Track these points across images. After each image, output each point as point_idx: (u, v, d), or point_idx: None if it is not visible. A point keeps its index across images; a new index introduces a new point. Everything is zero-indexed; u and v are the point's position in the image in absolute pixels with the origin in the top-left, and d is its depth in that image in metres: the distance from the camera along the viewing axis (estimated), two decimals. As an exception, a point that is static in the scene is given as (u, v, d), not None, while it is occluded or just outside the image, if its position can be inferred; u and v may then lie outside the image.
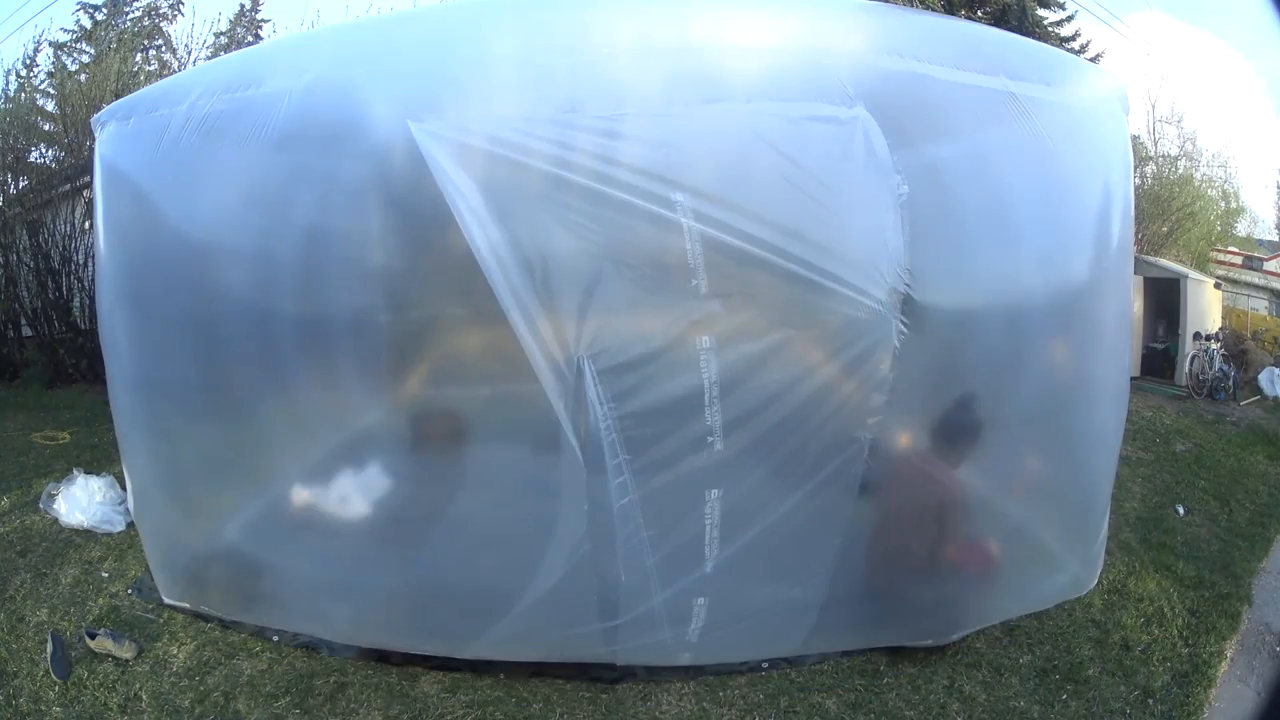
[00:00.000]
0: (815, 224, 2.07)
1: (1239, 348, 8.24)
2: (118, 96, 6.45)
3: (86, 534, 3.28)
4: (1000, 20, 10.91)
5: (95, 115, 2.63)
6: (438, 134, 2.04)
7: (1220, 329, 8.12)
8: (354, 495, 2.47)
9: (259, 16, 14.11)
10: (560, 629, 2.36)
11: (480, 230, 2.01)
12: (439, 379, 2.35)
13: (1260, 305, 12.31)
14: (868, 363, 2.11)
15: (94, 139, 2.67)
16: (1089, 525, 2.71)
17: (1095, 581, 2.85)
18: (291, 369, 2.43)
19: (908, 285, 2.10)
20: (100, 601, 2.82)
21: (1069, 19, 11.25)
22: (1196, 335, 7.48)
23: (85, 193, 6.25)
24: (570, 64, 2.18)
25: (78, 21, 12.35)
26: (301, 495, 2.57)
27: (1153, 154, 11.98)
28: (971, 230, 2.34)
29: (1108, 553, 3.27)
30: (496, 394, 2.27)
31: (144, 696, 2.33)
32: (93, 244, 3.13)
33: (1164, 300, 7.94)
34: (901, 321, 2.10)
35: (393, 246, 2.23)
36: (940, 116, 2.25)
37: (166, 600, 2.75)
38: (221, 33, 11.23)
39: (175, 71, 8.04)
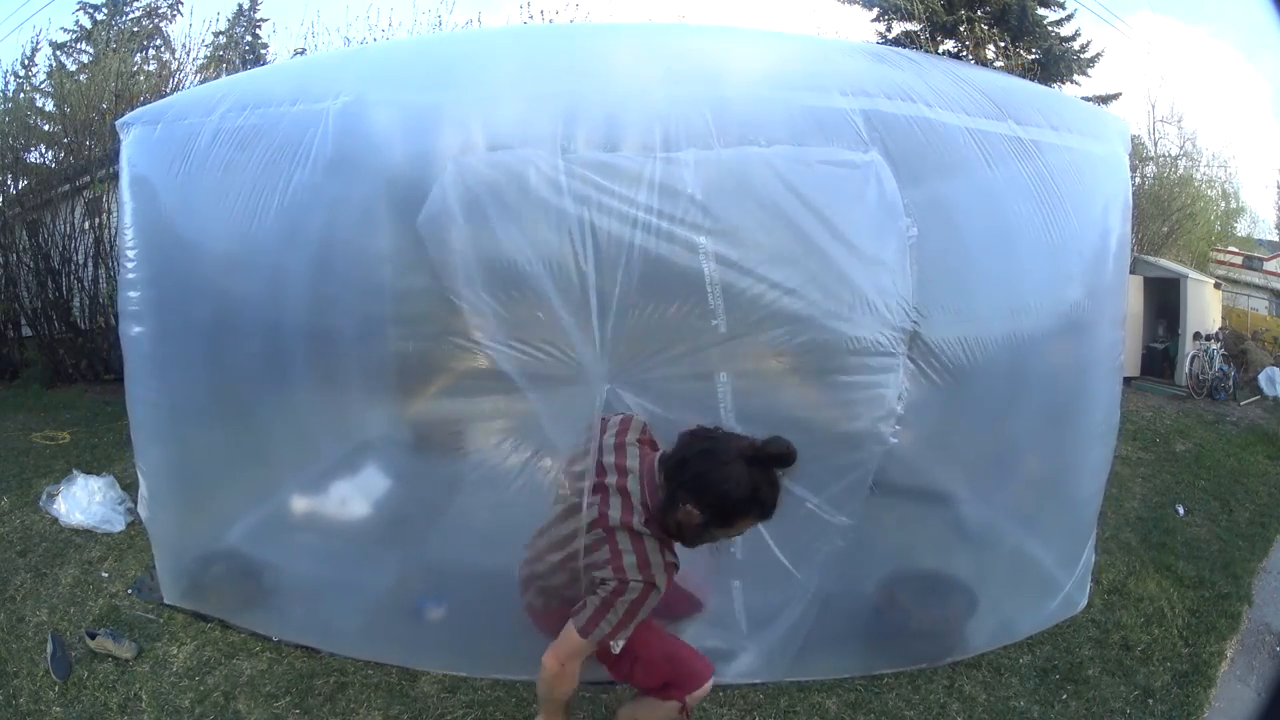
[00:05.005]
0: (828, 265, 2.16)
1: (1239, 348, 8.24)
2: (117, 96, 6.46)
3: (86, 534, 3.28)
4: (1000, 20, 10.92)
5: (120, 119, 2.65)
6: (475, 169, 2.15)
7: (1220, 329, 8.12)
8: (363, 501, 2.54)
9: (257, 16, 14.14)
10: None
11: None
12: (450, 394, 2.41)
13: (1260, 305, 12.32)
14: (877, 397, 2.20)
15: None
16: (1079, 546, 2.81)
17: (1086, 600, 2.89)
18: (305, 380, 2.49)
19: (915, 323, 2.20)
20: (100, 601, 2.82)
21: (1069, 18, 11.24)
22: (1196, 335, 7.48)
23: (85, 193, 6.25)
24: (594, 106, 2.25)
25: (77, 21, 12.36)
26: (313, 502, 2.60)
27: (1153, 154, 11.98)
28: (976, 267, 2.45)
29: (1108, 552, 3.29)
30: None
31: (144, 696, 2.33)
32: (117, 248, 3.17)
33: (1164, 300, 7.93)
34: (909, 358, 2.20)
35: (418, 268, 2.29)
36: (948, 158, 2.33)
37: (168, 602, 2.75)
38: (220, 32, 11.25)
39: (174, 71, 8.04)
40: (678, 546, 1.80)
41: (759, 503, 1.71)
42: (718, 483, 1.69)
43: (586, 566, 1.74)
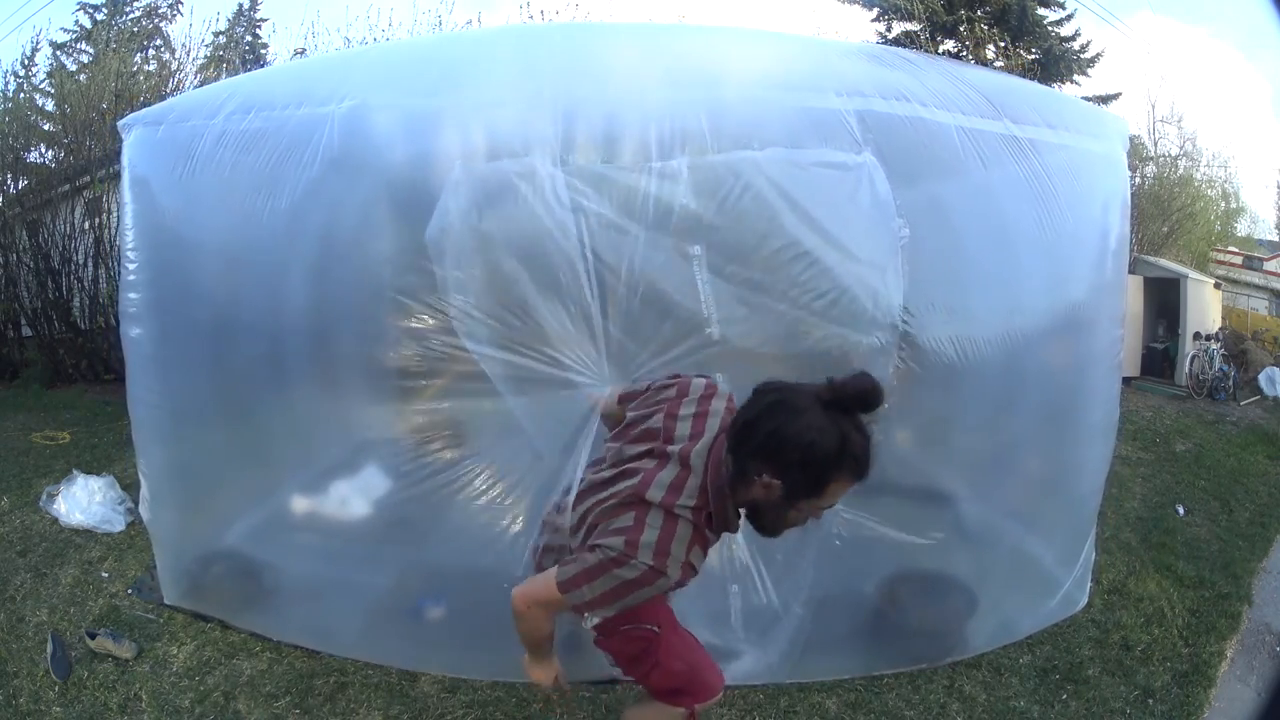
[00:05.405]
0: (821, 268, 2.18)
1: (1239, 348, 8.23)
2: (117, 97, 6.47)
3: (86, 534, 3.29)
4: (1000, 20, 10.92)
5: (122, 120, 2.66)
6: (479, 179, 2.17)
7: (1220, 329, 8.11)
8: (363, 501, 2.53)
9: (257, 16, 14.16)
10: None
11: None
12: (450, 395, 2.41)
13: (1260, 305, 12.30)
14: None
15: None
16: (1079, 544, 2.82)
17: (1086, 599, 2.89)
18: (306, 380, 2.50)
19: (906, 323, 2.22)
20: (100, 601, 2.82)
21: (1068, 18, 11.25)
22: (1196, 335, 7.48)
23: (85, 193, 6.25)
24: (593, 108, 2.26)
25: (77, 21, 12.37)
26: (313, 502, 2.61)
27: (1153, 154, 11.98)
28: (972, 267, 2.45)
29: (1108, 552, 3.29)
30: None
31: (144, 696, 2.33)
32: (117, 248, 3.18)
33: (1164, 300, 7.93)
34: (903, 358, 2.22)
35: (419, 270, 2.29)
36: (943, 158, 2.33)
37: (168, 602, 2.75)
38: (220, 32, 11.27)
39: (174, 71, 8.06)
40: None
41: (851, 456, 1.35)
42: (797, 435, 1.33)
43: (598, 517, 1.51)
